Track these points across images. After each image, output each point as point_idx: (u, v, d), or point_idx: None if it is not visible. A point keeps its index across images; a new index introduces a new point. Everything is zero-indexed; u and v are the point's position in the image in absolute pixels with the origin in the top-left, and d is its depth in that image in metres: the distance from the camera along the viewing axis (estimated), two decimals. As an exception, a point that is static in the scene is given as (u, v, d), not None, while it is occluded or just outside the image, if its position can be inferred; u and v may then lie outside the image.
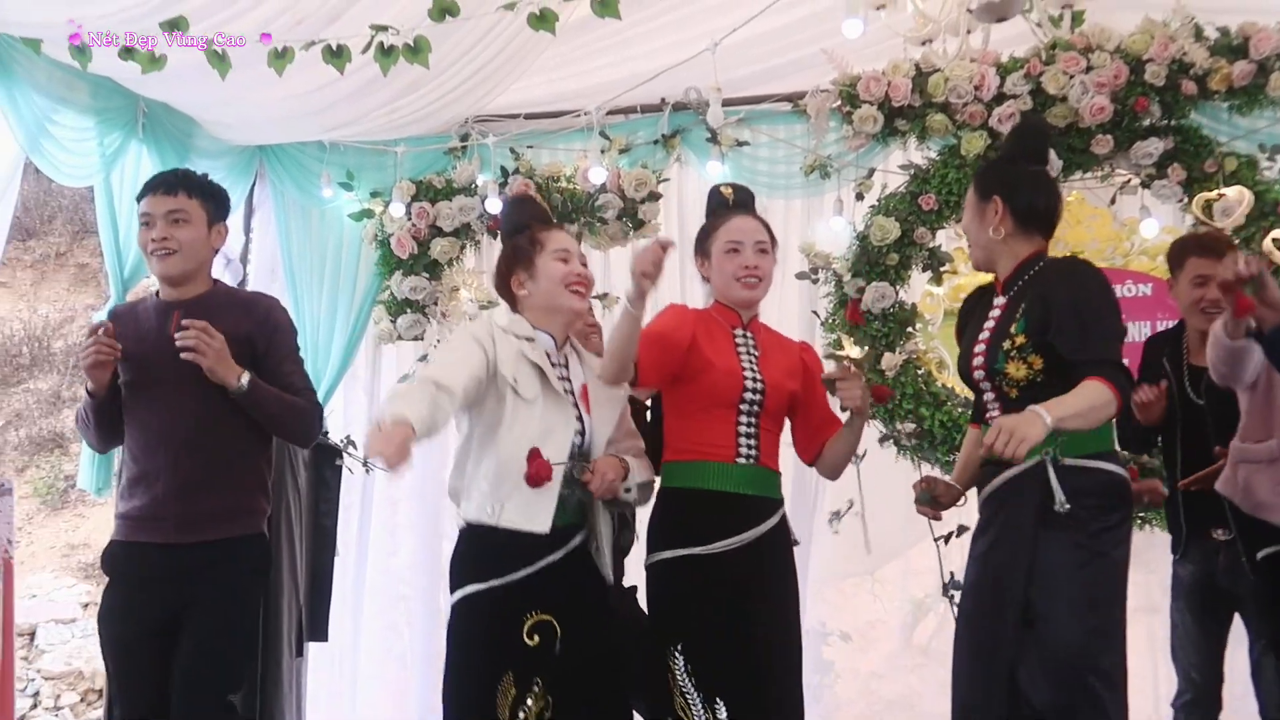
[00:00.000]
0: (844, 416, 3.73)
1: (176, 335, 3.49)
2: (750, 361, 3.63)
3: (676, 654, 3.43)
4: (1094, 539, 3.29)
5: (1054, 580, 3.28)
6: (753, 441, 3.58)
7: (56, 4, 4.50)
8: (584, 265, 3.60)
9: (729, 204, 3.79)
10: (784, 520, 3.66)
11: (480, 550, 3.40)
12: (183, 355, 3.45)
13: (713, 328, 3.66)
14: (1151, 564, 4.80)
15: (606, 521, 3.52)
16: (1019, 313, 3.42)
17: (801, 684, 3.63)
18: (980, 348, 3.54)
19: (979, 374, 3.54)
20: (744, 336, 3.69)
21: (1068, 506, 3.24)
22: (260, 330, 3.73)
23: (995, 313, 3.54)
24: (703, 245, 3.78)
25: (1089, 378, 3.20)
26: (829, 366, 3.74)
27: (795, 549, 3.72)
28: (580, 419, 3.48)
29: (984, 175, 3.72)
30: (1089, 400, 3.18)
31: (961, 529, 4.12)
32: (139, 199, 3.81)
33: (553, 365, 3.48)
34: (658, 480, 3.64)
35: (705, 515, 3.52)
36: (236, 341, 3.62)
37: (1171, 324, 4.71)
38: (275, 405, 3.60)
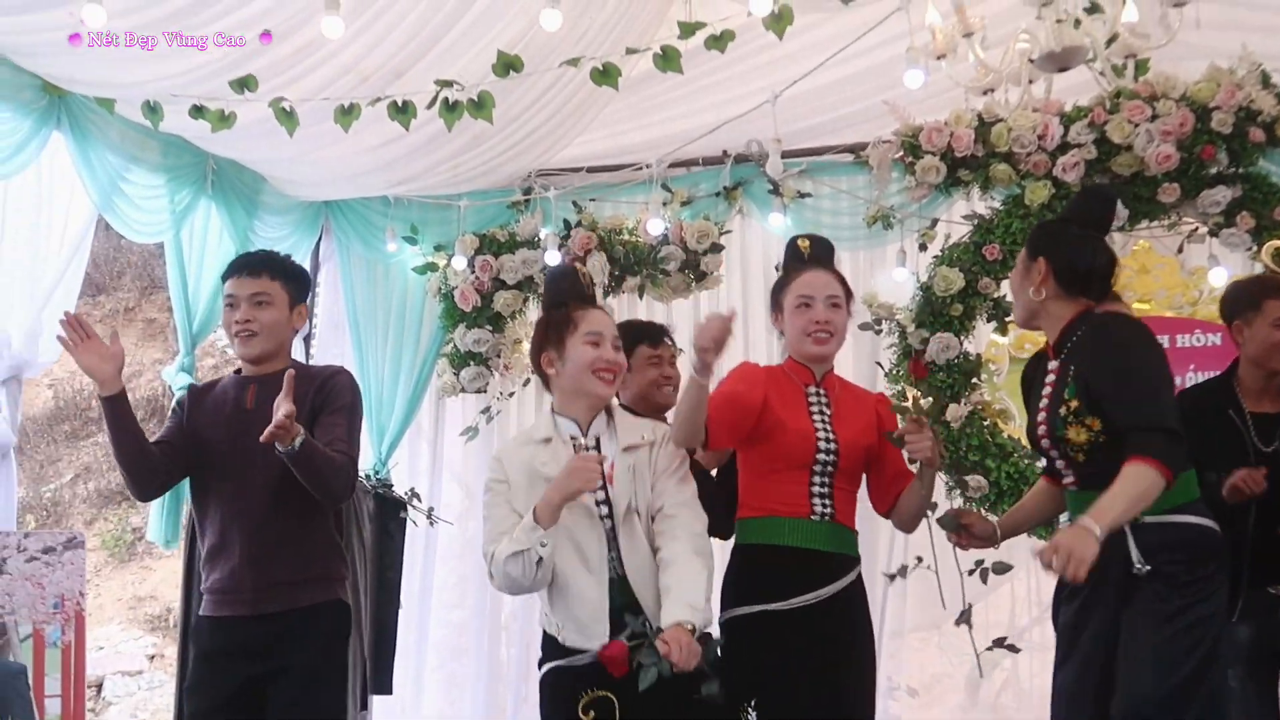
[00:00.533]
0: (914, 468, 3.70)
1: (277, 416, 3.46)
2: (823, 420, 3.60)
3: (750, 710, 3.41)
4: (1183, 594, 3.21)
5: (1137, 638, 3.21)
6: (827, 501, 3.55)
7: (130, 65, 4.59)
8: (617, 349, 3.50)
9: (804, 258, 3.77)
10: (860, 578, 3.63)
11: (545, 641, 3.43)
12: (264, 437, 3.43)
13: (785, 386, 3.63)
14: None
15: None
16: (1069, 376, 3.37)
17: None
18: (1042, 415, 3.49)
19: (1045, 442, 3.49)
20: (817, 394, 3.65)
21: (1147, 568, 3.19)
22: (321, 390, 3.76)
23: (1050, 378, 3.48)
24: (776, 298, 3.76)
25: (1133, 458, 3.13)
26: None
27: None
28: (608, 500, 3.39)
29: (1035, 234, 3.68)
30: (1134, 492, 3.11)
31: (1001, 566, 4.04)
32: (224, 279, 3.86)
33: (576, 451, 3.42)
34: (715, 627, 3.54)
35: (782, 571, 3.48)
36: (302, 408, 3.64)
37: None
38: (320, 461, 3.57)
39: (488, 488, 3.48)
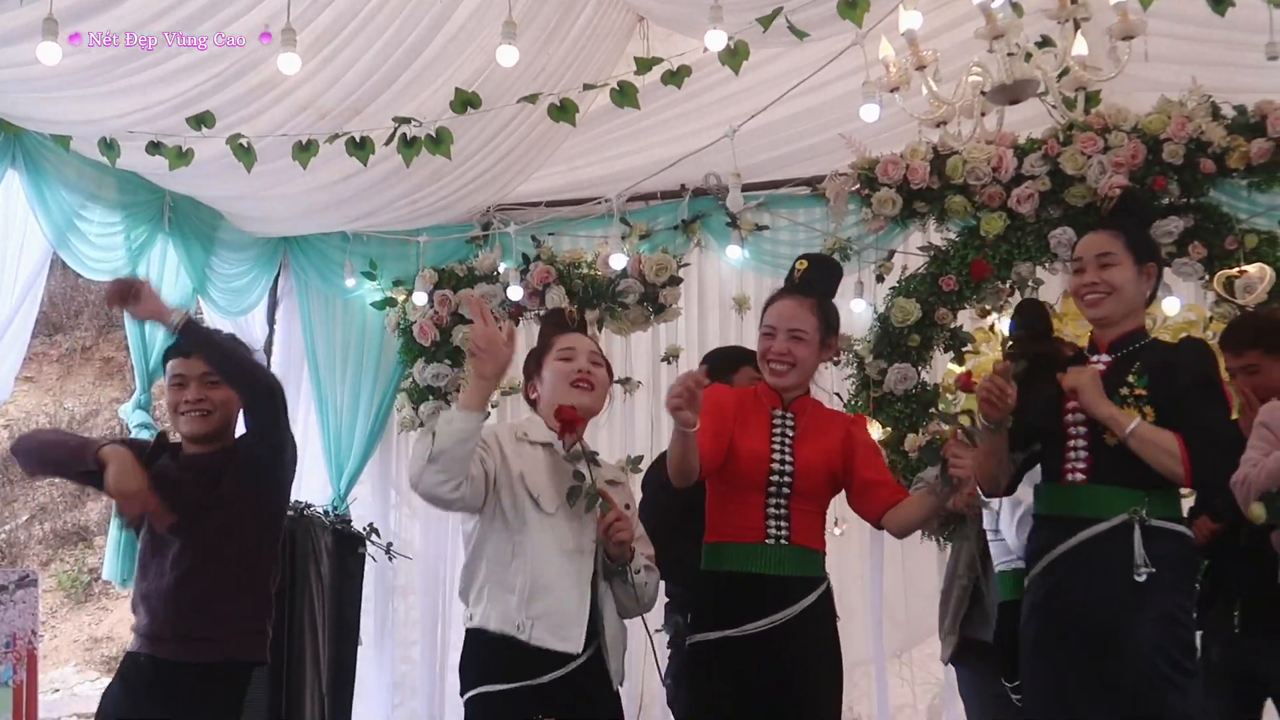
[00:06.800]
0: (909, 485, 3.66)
1: None
2: (783, 443, 3.58)
3: None
4: (1179, 602, 3.28)
5: (1136, 618, 3.22)
6: (782, 523, 3.52)
7: (86, 102, 4.58)
8: (595, 364, 3.46)
9: (790, 283, 3.76)
10: (824, 597, 3.56)
11: (492, 654, 3.26)
12: None
13: (751, 409, 3.62)
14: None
15: (618, 630, 3.42)
16: (1134, 369, 3.38)
17: None
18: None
19: (1075, 417, 3.45)
20: (782, 417, 3.62)
21: (1153, 571, 3.20)
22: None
23: (1098, 367, 3.46)
24: (763, 316, 3.72)
25: (1177, 435, 3.25)
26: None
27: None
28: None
29: (1140, 241, 3.59)
30: (1164, 443, 3.24)
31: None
32: (166, 359, 3.78)
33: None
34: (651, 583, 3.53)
35: (735, 597, 3.48)
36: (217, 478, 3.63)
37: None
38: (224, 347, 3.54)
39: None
